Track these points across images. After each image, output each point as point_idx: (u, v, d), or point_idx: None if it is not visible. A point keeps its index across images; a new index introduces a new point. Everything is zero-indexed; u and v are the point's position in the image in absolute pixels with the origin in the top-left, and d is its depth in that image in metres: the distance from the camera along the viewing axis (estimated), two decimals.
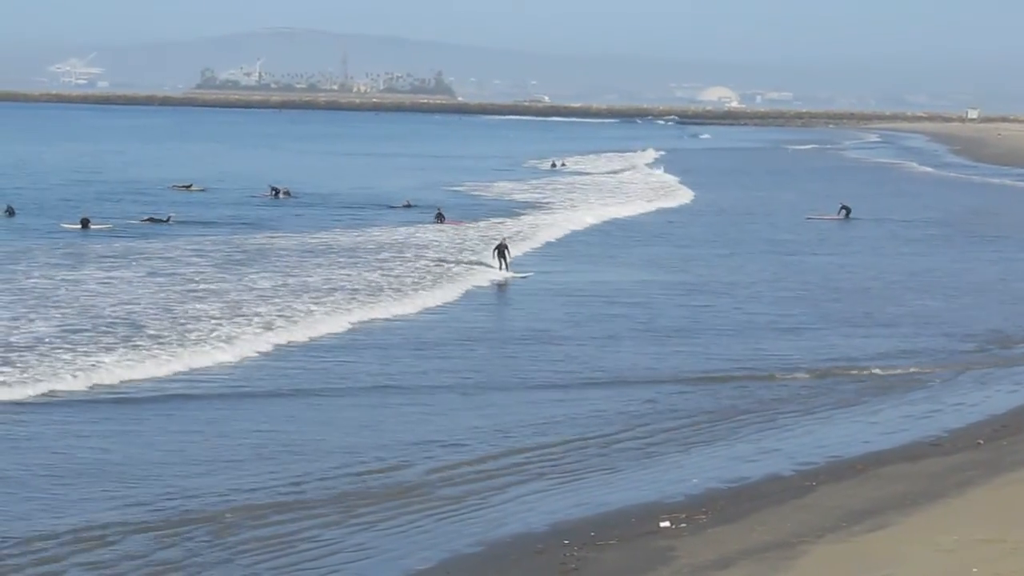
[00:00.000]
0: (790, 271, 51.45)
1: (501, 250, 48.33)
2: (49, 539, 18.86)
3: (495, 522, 20.10)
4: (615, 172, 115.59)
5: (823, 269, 52.21)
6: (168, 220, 63.05)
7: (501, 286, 46.14)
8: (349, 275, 45.67)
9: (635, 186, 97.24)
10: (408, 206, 73.77)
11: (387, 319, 38.56)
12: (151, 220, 63.04)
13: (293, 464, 23.10)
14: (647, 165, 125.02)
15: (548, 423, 26.56)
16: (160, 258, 49.06)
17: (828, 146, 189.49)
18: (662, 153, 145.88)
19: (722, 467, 23.42)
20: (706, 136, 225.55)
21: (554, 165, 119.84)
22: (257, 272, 45.70)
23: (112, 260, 48.31)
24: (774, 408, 28.32)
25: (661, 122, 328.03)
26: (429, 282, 44.96)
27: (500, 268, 47.75)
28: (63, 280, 42.77)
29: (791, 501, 21.07)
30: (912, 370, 32.82)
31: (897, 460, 23.87)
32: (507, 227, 62.23)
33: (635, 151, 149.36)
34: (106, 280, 43.06)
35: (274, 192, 79.71)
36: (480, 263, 49.70)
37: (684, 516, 20.17)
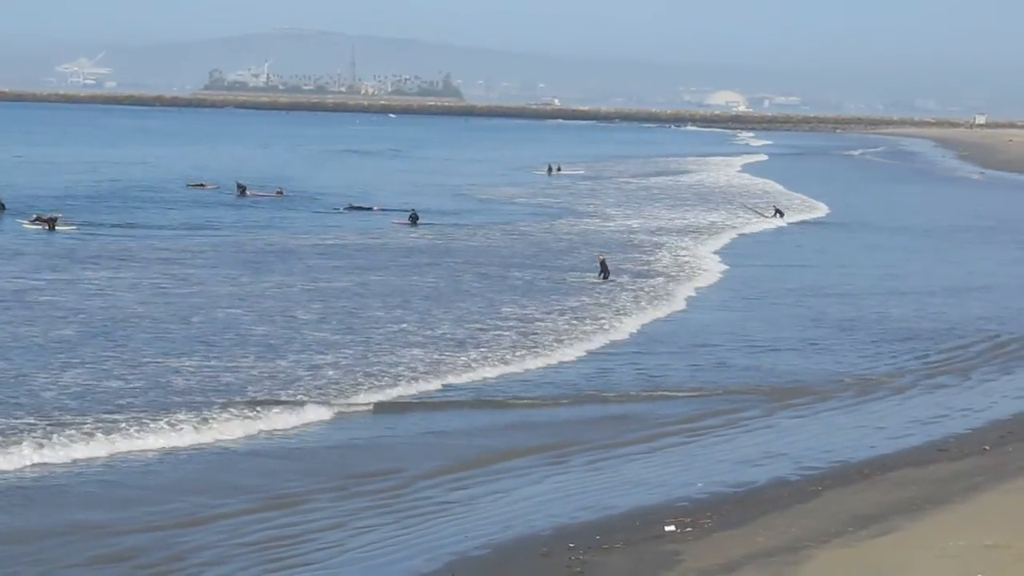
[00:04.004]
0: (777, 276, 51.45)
1: (603, 265, 47.18)
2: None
3: (501, 524, 20.12)
4: (712, 167, 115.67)
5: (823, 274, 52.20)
6: (56, 221, 58.15)
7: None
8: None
9: (766, 196, 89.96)
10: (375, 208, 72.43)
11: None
12: (38, 220, 58.21)
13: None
14: (743, 172, 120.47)
15: (555, 425, 26.64)
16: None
17: (860, 150, 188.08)
18: (751, 159, 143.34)
19: (727, 471, 23.41)
20: (768, 142, 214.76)
21: (550, 171, 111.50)
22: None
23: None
24: (777, 413, 28.32)
25: (691, 127, 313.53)
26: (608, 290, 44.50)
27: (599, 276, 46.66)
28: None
29: (796, 506, 21.06)
30: (917, 375, 32.79)
31: (903, 465, 23.86)
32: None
33: (721, 156, 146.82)
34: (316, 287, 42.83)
35: (241, 190, 79.60)
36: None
37: (689, 520, 20.17)
